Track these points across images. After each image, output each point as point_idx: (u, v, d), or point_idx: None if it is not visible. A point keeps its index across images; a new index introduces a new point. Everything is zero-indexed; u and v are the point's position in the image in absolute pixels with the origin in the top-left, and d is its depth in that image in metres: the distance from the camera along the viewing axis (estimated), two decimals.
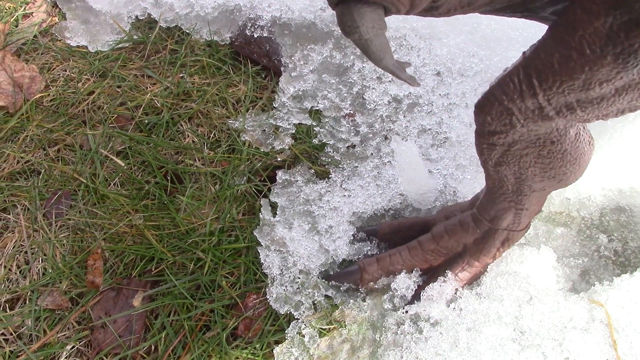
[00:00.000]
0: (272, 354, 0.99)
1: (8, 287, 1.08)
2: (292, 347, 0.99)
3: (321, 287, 1.05)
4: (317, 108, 1.30)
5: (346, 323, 1.02)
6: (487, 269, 1.01)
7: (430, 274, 1.03)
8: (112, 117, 1.30)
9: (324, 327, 1.02)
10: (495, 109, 0.75)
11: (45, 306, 1.06)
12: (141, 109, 1.32)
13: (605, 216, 1.09)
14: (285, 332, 1.01)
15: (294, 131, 1.27)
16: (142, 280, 1.08)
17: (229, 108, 1.32)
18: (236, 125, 1.28)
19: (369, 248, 1.10)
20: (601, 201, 1.10)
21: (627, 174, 1.10)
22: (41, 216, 1.16)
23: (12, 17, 1.52)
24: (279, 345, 1.00)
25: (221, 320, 1.04)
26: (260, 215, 1.14)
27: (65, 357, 1.01)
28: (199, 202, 1.17)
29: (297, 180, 1.18)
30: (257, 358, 1.00)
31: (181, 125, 1.30)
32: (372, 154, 1.21)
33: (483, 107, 0.77)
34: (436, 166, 1.19)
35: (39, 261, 1.11)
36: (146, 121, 1.30)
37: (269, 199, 1.16)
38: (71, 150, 1.27)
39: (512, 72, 0.72)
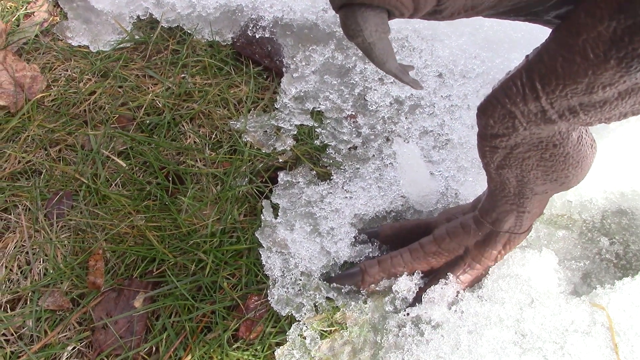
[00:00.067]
0: (274, 355, 0.99)
1: (9, 287, 1.08)
2: (293, 349, 0.99)
3: (322, 289, 1.05)
4: (318, 109, 1.30)
5: (347, 325, 1.02)
6: (489, 272, 1.01)
7: (431, 276, 1.03)
8: (114, 117, 1.30)
9: (325, 329, 1.02)
10: (498, 112, 0.75)
11: (46, 307, 1.06)
12: (143, 109, 1.32)
13: (607, 219, 1.09)
14: (287, 334, 1.01)
15: (295, 132, 1.27)
16: (143, 281, 1.08)
17: (230, 109, 1.32)
18: (238, 126, 1.28)
19: (370, 250, 1.10)
20: (603, 204, 1.09)
21: (629, 176, 1.10)
22: (42, 216, 1.16)
23: (14, 16, 1.52)
24: (280, 347, 1.00)
25: (222, 321, 1.04)
26: (262, 217, 1.14)
27: (66, 358, 1.01)
28: (200, 203, 1.17)
29: (299, 182, 1.18)
30: None
31: (183, 125, 1.30)
32: (373, 155, 1.21)
33: (486, 110, 0.77)
34: (438, 168, 1.19)
35: (40, 262, 1.11)
36: (148, 121, 1.30)
37: (271, 201, 1.16)
38: (72, 151, 1.27)
39: (515, 75, 0.72)
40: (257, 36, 1.40)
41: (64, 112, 1.32)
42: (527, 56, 0.71)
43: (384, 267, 1.03)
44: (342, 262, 1.09)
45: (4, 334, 1.03)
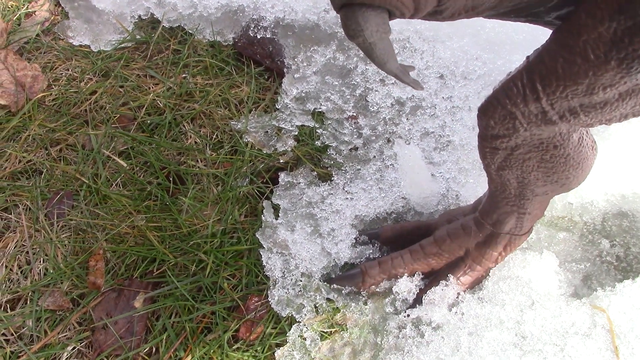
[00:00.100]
0: (274, 356, 0.99)
1: (9, 287, 1.08)
2: (293, 350, 0.99)
3: (323, 290, 1.05)
4: (319, 110, 1.30)
5: (348, 326, 1.01)
6: (489, 273, 1.01)
7: (432, 278, 1.03)
8: (115, 117, 1.30)
9: (325, 330, 1.02)
10: (498, 113, 0.75)
11: (47, 307, 1.06)
12: (144, 109, 1.32)
13: (608, 221, 1.09)
14: (287, 335, 1.01)
15: (296, 133, 1.27)
16: (143, 281, 1.08)
17: (231, 109, 1.32)
18: (239, 126, 1.28)
19: (371, 251, 1.10)
20: (604, 206, 1.09)
21: (629, 179, 1.10)
22: (43, 216, 1.16)
23: (15, 15, 1.52)
24: (281, 348, 1.00)
25: (222, 322, 1.04)
26: (263, 218, 1.14)
27: (66, 358, 1.01)
28: (201, 203, 1.17)
29: (300, 183, 1.18)
30: None
31: (183, 126, 1.30)
32: (374, 156, 1.21)
33: (486, 111, 0.77)
34: (439, 169, 1.19)
35: (40, 261, 1.11)
36: (148, 121, 1.30)
37: (272, 201, 1.16)
38: (73, 150, 1.27)
39: (515, 76, 0.72)
40: (258, 36, 1.40)
41: (64, 112, 1.32)
42: (527, 57, 0.71)
43: (385, 268, 1.03)
44: (342, 263, 1.09)
45: (4, 334, 1.03)
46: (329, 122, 1.27)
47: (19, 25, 1.51)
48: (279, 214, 1.14)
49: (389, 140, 1.23)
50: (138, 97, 1.34)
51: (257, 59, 1.39)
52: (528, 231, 0.96)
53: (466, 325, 0.96)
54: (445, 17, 0.66)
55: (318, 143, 1.25)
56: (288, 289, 1.05)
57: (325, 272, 1.08)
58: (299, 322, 1.02)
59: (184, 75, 1.38)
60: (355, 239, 1.11)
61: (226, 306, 1.05)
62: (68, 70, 1.41)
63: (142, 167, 1.23)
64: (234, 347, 1.01)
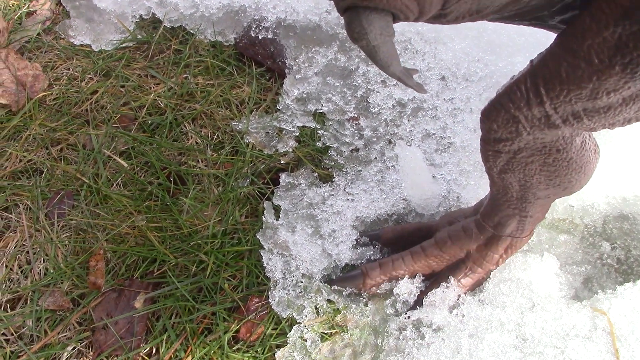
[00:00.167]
0: (274, 357, 0.99)
1: (9, 287, 1.08)
2: (294, 352, 0.99)
3: (324, 291, 1.05)
4: (321, 111, 1.30)
5: (348, 328, 1.01)
6: (490, 276, 1.01)
7: (432, 280, 1.03)
8: (116, 117, 1.30)
9: (326, 332, 1.02)
10: (501, 117, 0.75)
11: (47, 307, 1.05)
12: (144, 109, 1.32)
13: (609, 224, 1.09)
14: (287, 336, 1.01)
15: (297, 134, 1.26)
16: (144, 282, 1.08)
17: (232, 109, 1.32)
18: (240, 127, 1.28)
19: (371, 253, 1.09)
20: (605, 209, 1.09)
21: (631, 182, 1.10)
22: (43, 216, 1.16)
23: (16, 14, 1.52)
24: (281, 349, 1.00)
25: (223, 323, 1.04)
26: (263, 218, 1.14)
27: (66, 358, 1.01)
28: (201, 204, 1.16)
29: (301, 184, 1.18)
30: None
31: (184, 126, 1.29)
32: (375, 158, 1.21)
33: (489, 114, 0.77)
34: (440, 171, 1.19)
35: (40, 261, 1.11)
36: (149, 121, 1.30)
37: (272, 202, 1.16)
38: (74, 150, 1.26)
39: (519, 80, 0.71)
40: (259, 37, 1.40)
41: (65, 111, 1.31)
42: (531, 61, 0.71)
43: (385, 270, 1.03)
44: (343, 264, 1.09)
45: (4, 334, 1.03)
46: (330, 123, 1.27)
47: (20, 24, 1.51)
48: (280, 215, 1.14)
49: (390, 142, 1.23)
50: (139, 97, 1.34)
51: (259, 59, 1.39)
52: (529, 234, 0.97)
53: (467, 327, 0.96)
54: (449, 21, 0.66)
55: (319, 144, 1.25)
56: (289, 290, 1.05)
57: (325, 274, 1.08)
58: (300, 323, 1.02)
59: (185, 76, 1.38)
60: (356, 240, 1.11)
61: (227, 307, 1.05)
62: (69, 69, 1.41)
63: (143, 167, 1.23)
64: (234, 348, 1.01)
